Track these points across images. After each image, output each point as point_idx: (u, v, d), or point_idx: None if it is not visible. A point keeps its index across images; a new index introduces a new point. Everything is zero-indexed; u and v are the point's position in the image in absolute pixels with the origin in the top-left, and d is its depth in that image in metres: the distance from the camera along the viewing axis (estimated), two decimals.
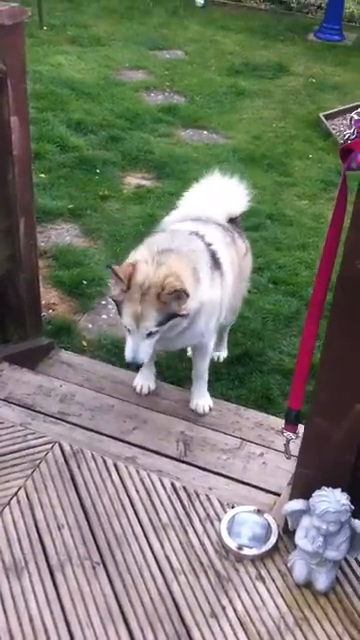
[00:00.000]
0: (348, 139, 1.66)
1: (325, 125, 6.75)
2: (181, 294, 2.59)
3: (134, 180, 5.58)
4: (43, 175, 5.28)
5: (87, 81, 7.15)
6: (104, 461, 2.61)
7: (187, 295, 2.62)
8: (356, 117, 1.63)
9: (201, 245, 2.88)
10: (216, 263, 2.89)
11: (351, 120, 1.64)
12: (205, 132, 6.68)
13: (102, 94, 6.94)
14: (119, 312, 2.73)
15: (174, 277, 2.61)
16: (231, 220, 3.27)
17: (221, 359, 3.63)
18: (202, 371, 3.12)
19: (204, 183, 3.37)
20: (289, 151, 6.39)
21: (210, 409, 3.09)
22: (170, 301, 2.60)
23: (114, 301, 2.77)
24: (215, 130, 6.72)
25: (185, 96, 7.37)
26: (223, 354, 3.65)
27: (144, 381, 3.17)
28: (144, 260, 2.69)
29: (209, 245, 2.90)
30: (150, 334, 2.66)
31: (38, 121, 5.96)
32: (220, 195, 3.31)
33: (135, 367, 2.81)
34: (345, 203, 1.87)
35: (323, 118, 6.83)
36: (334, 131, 6.64)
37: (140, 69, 7.90)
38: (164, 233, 3.02)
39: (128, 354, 2.71)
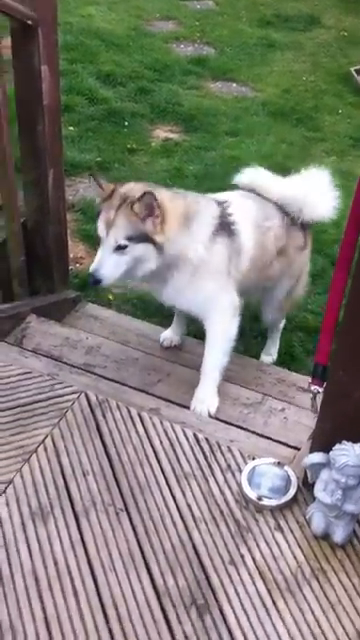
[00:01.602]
0: None
1: (356, 80, 6.60)
2: (151, 201, 2.51)
3: (162, 133, 5.54)
4: (72, 128, 5.26)
5: (117, 32, 7.04)
6: (129, 411, 2.65)
7: (162, 220, 2.57)
8: None
9: (213, 208, 2.79)
10: (229, 230, 2.78)
11: None
12: (234, 85, 6.58)
13: (132, 45, 6.84)
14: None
15: (153, 195, 2.53)
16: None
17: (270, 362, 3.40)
18: (208, 365, 2.89)
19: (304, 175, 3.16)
20: (319, 106, 6.28)
21: (210, 415, 2.84)
22: (144, 215, 2.54)
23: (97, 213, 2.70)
24: (245, 83, 6.62)
25: (215, 47, 7.23)
26: (272, 358, 3.43)
27: (170, 334, 3.19)
28: (132, 182, 2.70)
29: (228, 214, 2.80)
30: (119, 248, 2.57)
31: (68, 73, 5.90)
32: (312, 192, 3.09)
33: (93, 282, 2.64)
34: None
35: (354, 73, 6.68)
36: None
37: (170, 19, 7.74)
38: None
39: (92, 265, 2.63)
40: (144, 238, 2.58)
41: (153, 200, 2.53)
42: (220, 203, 2.84)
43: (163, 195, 2.62)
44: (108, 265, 2.59)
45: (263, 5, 8.42)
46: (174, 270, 2.73)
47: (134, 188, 2.62)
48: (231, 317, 2.87)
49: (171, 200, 2.66)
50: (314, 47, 7.52)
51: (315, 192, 3.07)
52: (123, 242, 2.57)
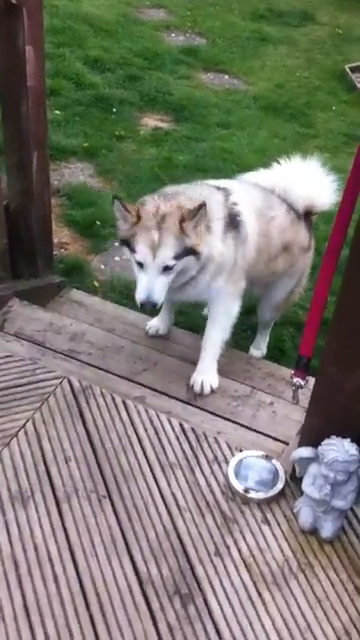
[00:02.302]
0: None
1: (350, 77, 6.59)
2: (202, 214, 2.44)
3: (151, 121, 5.47)
4: (58, 112, 5.17)
5: (106, 17, 6.95)
6: (113, 398, 2.60)
7: (208, 227, 2.49)
8: None
9: (218, 198, 2.70)
10: (234, 223, 2.71)
11: None
12: (226, 77, 6.53)
13: (121, 32, 6.76)
14: (131, 248, 2.52)
15: (188, 205, 2.48)
16: (306, 213, 3.06)
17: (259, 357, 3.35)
18: (212, 339, 2.86)
19: (292, 164, 3.11)
20: (312, 102, 6.27)
21: (212, 390, 2.81)
22: (189, 229, 2.45)
23: (123, 242, 2.59)
24: (236, 75, 6.57)
25: (207, 38, 7.18)
26: (261, 352, 3.38)
27: (157, 323, 3.13)
28: (150, 197, 2.58)
29: (232, 204, 2.71)
30: (166, 269, 2.48)
31: (54, 56, 5.82)
32: (309, 180, 3.05)
33: (150, 307, 2.54)
34: None
35: (348, 70, 6.68)
36: (359, 84, 6.49)
37: (161, 7, 7.67)
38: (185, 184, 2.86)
39: (141, 293, 2.50)
40: (188, 251, 2.49)
41: (204, 213, 2.45)
42: (223, 192, 2.74)
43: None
44: (158, 288, 2.49)
45: None
46: (199, 271, 2.65)
47: (162, 205, 2.49)
48: (235, 298, 2.83)
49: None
50: (308, 43, 7.50)
51: (313, 180, 3.03)
52: (171, 262, 2.47)
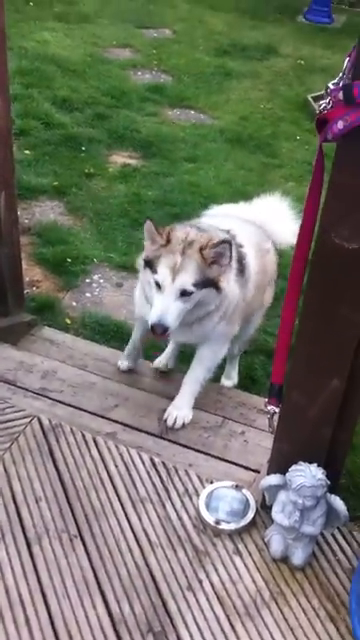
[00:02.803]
0: (324, 109, 1.62)
1: (313, 107, 6.69)
2: (225, 250, 2.45)
3: (120, 159, 5.54)
4: (27, 152, 5.23)
5: (73, 58, 7.07)
6: (83, 436, 2.60)
7: (229, 261, 2.50)
8: (331, 86, 1.58)
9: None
10: (241, 267, 2.73)
11: (327, 90, 1.60)
12: (192, 112, 6.64)
13: (88, 71, 6.87)
14: (153, 270, 2.51)
15: (231, 245, 2.50)
16: None
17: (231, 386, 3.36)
18: (196, 378, 2.88)
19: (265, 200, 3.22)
20: (276, 132, 6.37)
21: (184, 425, 2.82)
22: (212, 261, 2.47)
23: (146, 263, 2.56)
24: (202, 110, 6.68)
25: (172, 75, 7.31)
26: (233, 382, 3.38)
27: (127, 359, 3.14)
28: (180, 226, 2.60)
29: (239, 246, 2.75)
30: (184, 294, 2.46)
31: (23, 97, 5.91)
32: (280, 217, 3.14)
33: (161, 331, 2.47)
34: (322, 177, 1.82)
35: (311, 100, 6.80)
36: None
37: (127, 47, 7.82)
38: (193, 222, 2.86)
39: (155, 314, 2.46)
40: (209, 283, 2.50)
41: (228, 250, 2.48)
42: (230, 235, 2.73)
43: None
44: (172, 312, 2.46)
45: (220, 34, 8.58)
46: (214, 310, 2.65)
47: (192, 233, 2.53)
48: (226, 341, 2.88)
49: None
50: (271, 75, 7.66)
51: (276, 218, 3.08)
52: (190, 288, 2.47)
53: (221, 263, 2.50)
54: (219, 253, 2.48)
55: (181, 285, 2.46)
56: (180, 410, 2.86)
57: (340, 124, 1.58)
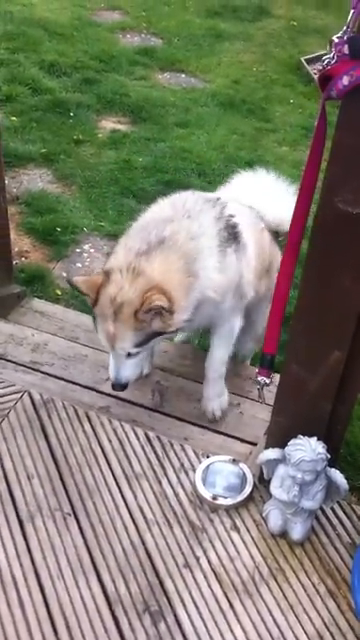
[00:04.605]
0: (327, 64, 1.52)
1: (307, 69, 6.57)
2: (162, 312, 2.24)
3: (109, 124, 5.41)
4: (14, 118, 5.09)
5: (60, 21, 6.87)
6: (75, 410, 2.54)
7: (171, 312, 2.25)
8: (336, 40, 1.49)
9: (212, 215, 2.48)
10: (234, 236, 2.51)
11: (331, 43, 1.50)
12: (183, 75, 6.49)
13: (76, 35, 6.68)
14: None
15: (155, 290, 2.22)
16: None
17: None
18: (218, 360, 2.68)
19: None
20: (269, 96, 6.24)
21: (222, 413, 2.70)
22: (150, 320, 2.26)
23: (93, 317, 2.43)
24: (193, 74, 6.54)
25: (162, 38, 7.13)
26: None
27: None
28: (118, 268, 2.29)
29: (229, 217, 2.51)
30: (130, 355, 2.36)
31: (9, 62, 5.76)
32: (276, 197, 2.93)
33: (120, 389, 2.46)
34: (324, 137, 1.71)
35: (304, 62, 6.66)
36: (316, 76, 6.47)
37: (116, 9, 7.61)
38: (175, 198, 2.57)
39: (111, 374, 2.42)
40: (154, 335, 2.33)
41: (162, 308, 2.23)
42: (220, 204, 2.55)
43: (170, 285, 2.26)
44: (126, 370, 2.40)
45: None
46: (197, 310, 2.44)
47: (126, 287, 2.25)
48: (238, 313, 2.67)
49: (174, 280, 2.29)
50: (264, 37, 7.48)
51: (268, 198, 2.93)
52: (134, 351, 2.34)
53: (162, 318, 2.27)
54: (157, 313, 2.24)
55: (122, 350, 2.33)
56: (212, 401, 2.71)
57: (345, 80, 1.49)
